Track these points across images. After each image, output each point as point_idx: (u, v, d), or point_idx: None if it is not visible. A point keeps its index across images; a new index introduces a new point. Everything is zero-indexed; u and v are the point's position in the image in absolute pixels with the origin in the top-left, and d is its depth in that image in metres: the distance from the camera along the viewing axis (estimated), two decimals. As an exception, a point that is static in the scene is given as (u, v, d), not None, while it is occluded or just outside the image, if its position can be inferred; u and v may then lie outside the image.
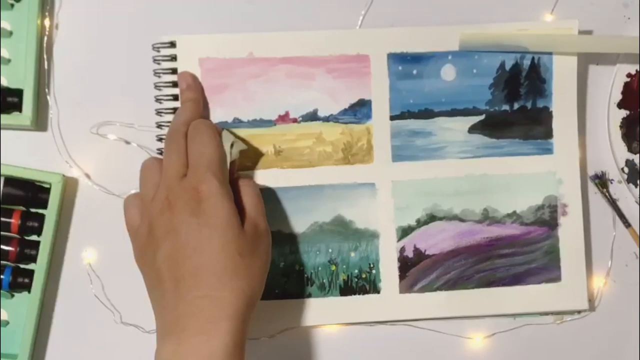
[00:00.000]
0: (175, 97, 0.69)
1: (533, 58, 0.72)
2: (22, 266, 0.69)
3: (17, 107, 0.67)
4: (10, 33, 0.69)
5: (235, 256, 0.60)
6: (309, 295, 0.71)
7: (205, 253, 0.59)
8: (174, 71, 0.69)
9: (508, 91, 0.72)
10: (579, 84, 0.73)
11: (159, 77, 0.69)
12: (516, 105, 0.72)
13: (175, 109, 0.69)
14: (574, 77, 0.72)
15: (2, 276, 0.67)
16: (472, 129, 0.72)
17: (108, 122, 0.70)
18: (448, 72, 0.72)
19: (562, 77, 0.72)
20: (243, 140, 0.69)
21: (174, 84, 0.69)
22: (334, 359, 0.72)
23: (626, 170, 0.74)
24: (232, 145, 0.65)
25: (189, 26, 0.71)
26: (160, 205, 0.61)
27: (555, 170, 0.72)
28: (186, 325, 0.58)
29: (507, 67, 0.72)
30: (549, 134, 0.72)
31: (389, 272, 0.71)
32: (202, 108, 0.69)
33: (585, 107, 0.74)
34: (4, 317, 0.69)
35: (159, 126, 0.69)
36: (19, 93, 0.67)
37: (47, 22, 0.69)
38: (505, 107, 0.72)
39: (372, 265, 0.71)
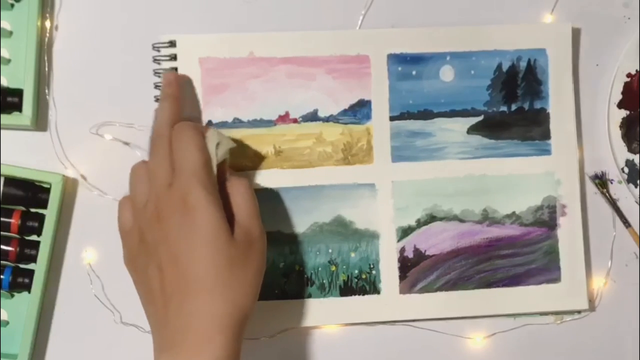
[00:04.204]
0: (175, 97, 0.69)
1: (529, 60, 0.72)
2: (22, 266, 0.69)
3: (17, 107, 0.67)
4: (10, 33, 0.69)
5: (226, 268, 0.58)
6: (309, 296, 0.71)
7: (195, 266, 0.58)
8: (174, 71, 0.69)
9: (505, 92, 0.72)
10: (579, 84, 0.73)
11: (159, 77, 0.69)
12: (514, 107, 0.72)
13: (175, 109, 0.69)
14: (569, 79, 0.72)
15: (2, 276, 0.67)
16: (471, 130, 0.72)
17: (108, 122, 0.70)
18: (446, 73, 0.72)
19: (558, 78, 0.72)
20: (233, 139, 0.67)
21: (174, 84, 0.69)
22: (333, 359, 0.72)
23: (626, 170, 0.74)
24: (217, 146, 0.63)
25: (189, 26, 0.71)
26: (149, 216, 0.60)
27: (553, 171, 0.73)
28: (179, 341, 0.57)
29: (504, 68, 0.72)
30: (546, 135, 0.72)
31: (389, 273, 0.71)
32: (180, 107, 0.66)
33: (585, 107, 0.74)
34: (4, 317, 0.69)
35: (159, 126, 0.69)
36: (19, 93, 0.67)
37: (47, 22, 0.69)
38: (503, 108, 0.72)
39: (372, 266, 0.71)
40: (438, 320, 0.73)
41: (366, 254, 0.71)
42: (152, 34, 0.69)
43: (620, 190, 0.74)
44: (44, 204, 0.68)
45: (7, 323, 0.69)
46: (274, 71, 0.70)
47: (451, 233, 0.72)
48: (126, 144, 0.70)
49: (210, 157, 0.62)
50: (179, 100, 0.66)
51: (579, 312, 0.74)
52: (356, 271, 0.71)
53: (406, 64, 0.71)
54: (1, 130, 0.69)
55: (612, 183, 0.74)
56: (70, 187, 0.70)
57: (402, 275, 0.71)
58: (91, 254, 0.70)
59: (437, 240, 0.72)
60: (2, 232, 0.68)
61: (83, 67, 0.70)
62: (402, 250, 0.71)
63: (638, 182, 0.74)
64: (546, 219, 0.72)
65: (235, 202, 0.62)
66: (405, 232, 0.71)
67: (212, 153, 0.62)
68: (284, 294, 0.71)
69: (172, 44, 0.69)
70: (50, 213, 0.68)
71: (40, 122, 0.70)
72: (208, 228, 0.58)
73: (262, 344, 0.71)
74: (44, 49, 0.69)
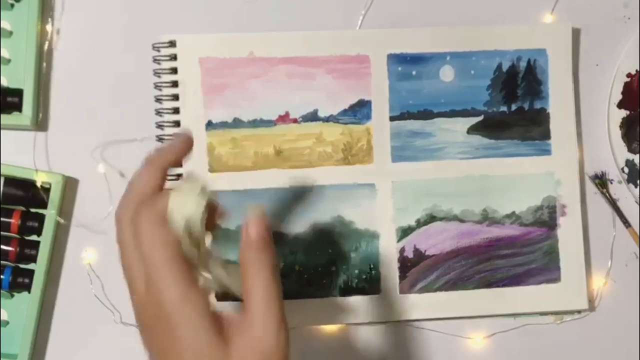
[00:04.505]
0: (175, 97, 0.69)
1: (529, 60, 0.72)
2: (22, 266, 0.69)
3: (17, 107, 0.67)
4: (10, 33, 0.69)
5: None
6: (309, 296, 0.71)
7: None
8: (174, 71, 0.69)
9: (505, 92, 0.72)
10: (579, 84, 0.73)
11: (159, 77, 0.69)
12: (514, 107, 0.72)
13: (175, 109, 0.69)
14: (569, 79, 0.73)
15: (2, 276, 0.67)
16: (471, 130, 0.72)
17: (108, 122, 0.70)
18: (446, 73, 0.72)
19: (557, 78, 0.72)
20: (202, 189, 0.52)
21: (174, 84, 0.69)
22: (334, 359, 0.72)
23: (626, 170, 0.74)
24: (186, 224, 0.50)
25: (189, 26, 0.71)
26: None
27: (553, 171, 0.73)
28: None
29: (504, 68, 0.72)
30: (546, 135, 0.72)
31: (389, 273, 0.71)
32: (162, 181, 0.53)
33: (585, 107, 0.74)
34: (4, 317, 0.69)
35: (159, 126, 0.69)
36: (19, 93, 0.67)
37: (48, 20, 0.69)
38: (503, 108, 0.72)
39: (372, 266, 0.71)
40: (438, 320, 0.73)
41: (366, 254, 0.71)
42: (152, 34, 0.69)
43: (620, 190, 0.74)
44: (44, 204, 0.68)
45: (7, 323, 0.69)
46: (274, 71, 0.70)
47: (451, 233, 0.72)
48: (127, 143, 0.70)
49: (181, 242, 0.50)
50: (165, 175, 0.54)
51: (579, 312, 0.74)
52: (356, 271, 0.71)
53: (406, 64, 0.71)
54: (1, 130, 0.69)
55: (612, 183, 0.74)
56: (70, 187, 0.70)
57: (402, 275, 0.71)
58: (91, 254, 0.70)
59: (437, 240, 0.72)
60: (2, 232, 0.68)
61: (83, 66, 0.70)
62: (402, 250, 0.71)
63: (638, 182, 0.74)
64: (546, 219, 0.72)
65: (251, 287, 0.51)
66: (405, 232, 0.71)
67: (184, 235, 0.50)
68: (284, 293, 0.70)
69: (172, 44, 0.69)
70: (50, 213, 0.68)
71: (40, 122, 0.70)
72: (193, 343, 0.49)
73: (262, 344, 0.71)
74: (44, 49, 0.69)
